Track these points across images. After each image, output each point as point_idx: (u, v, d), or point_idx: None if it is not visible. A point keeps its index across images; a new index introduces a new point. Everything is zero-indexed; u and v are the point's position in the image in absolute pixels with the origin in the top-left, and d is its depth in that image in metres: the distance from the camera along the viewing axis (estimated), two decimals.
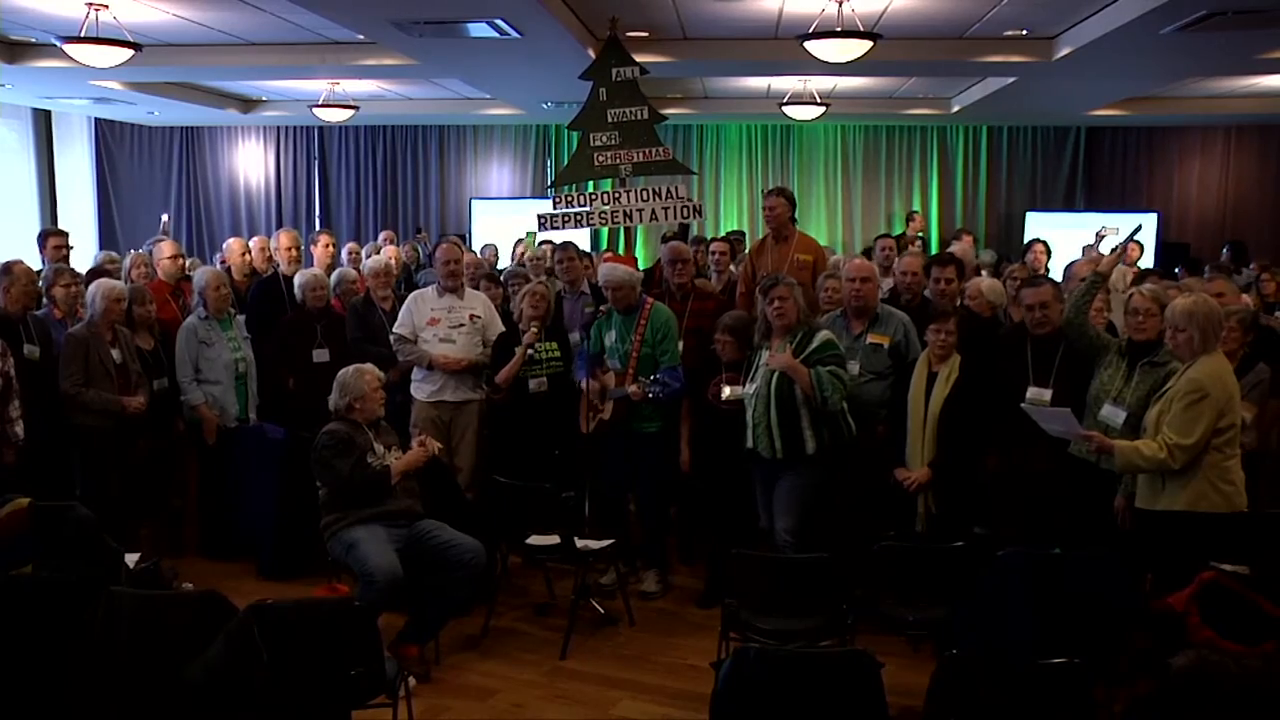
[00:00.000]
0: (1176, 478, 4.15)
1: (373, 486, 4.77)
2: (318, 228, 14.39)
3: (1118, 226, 9.42)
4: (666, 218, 6.98)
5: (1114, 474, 4.52)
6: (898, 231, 14.11)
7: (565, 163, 14.77)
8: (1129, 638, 3.95)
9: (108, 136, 15.14)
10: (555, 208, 6.96)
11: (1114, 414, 4.57)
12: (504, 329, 6.17)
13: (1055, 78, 10.22)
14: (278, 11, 8.36)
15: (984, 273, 7.27)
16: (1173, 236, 13.96)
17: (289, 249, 7.36)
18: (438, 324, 6.06)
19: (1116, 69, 9.84)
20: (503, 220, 13.42)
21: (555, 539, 5.15)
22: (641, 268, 7.26)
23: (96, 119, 14.76)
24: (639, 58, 7.19)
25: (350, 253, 8.39)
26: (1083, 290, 4.84)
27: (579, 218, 6.96)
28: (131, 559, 4.48)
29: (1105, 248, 8.83)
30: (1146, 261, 11.25)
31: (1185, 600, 3.75)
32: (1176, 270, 10.42)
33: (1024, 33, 9.20)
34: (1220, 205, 14.63)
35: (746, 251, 7.59)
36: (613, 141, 6.89)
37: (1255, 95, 12.22)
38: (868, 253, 9.22)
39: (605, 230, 10.82)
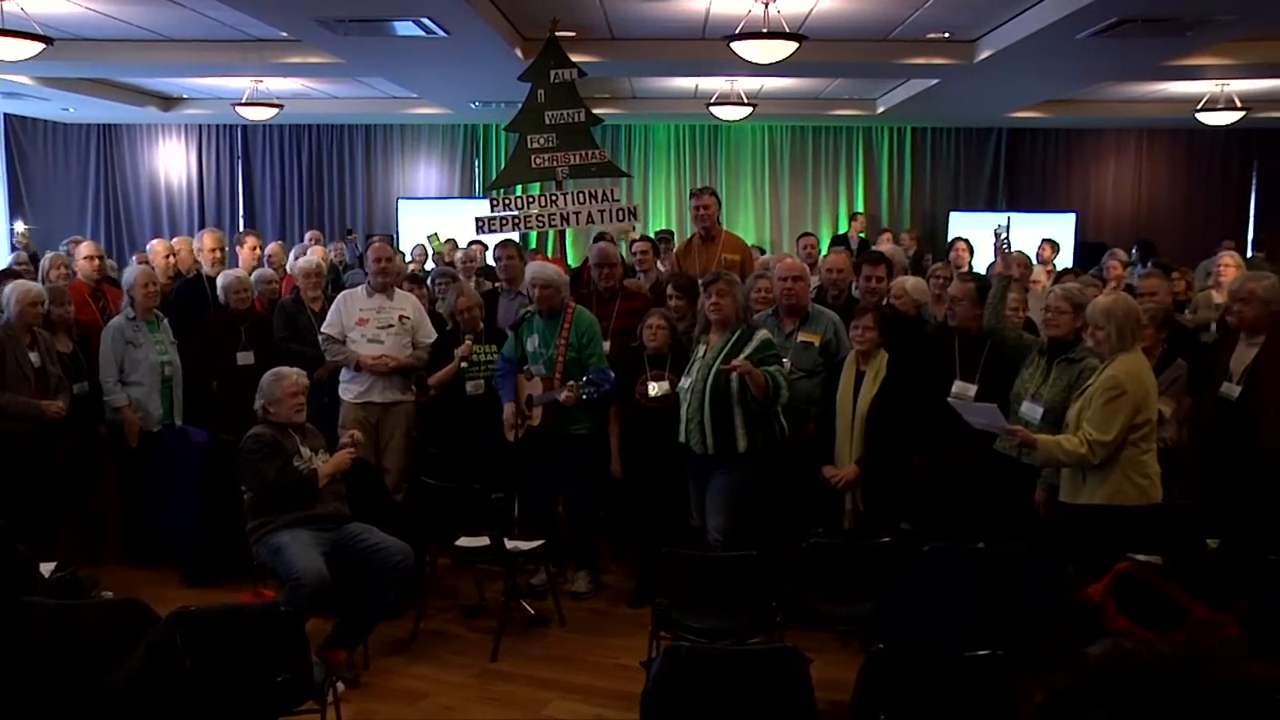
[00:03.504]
0: (1096, 472, 4.26)
1: (299, 490, 4.70)
2: (242, 228, 14.14)
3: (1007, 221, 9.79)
4: (602, 220, 7.00)
5: (1035, 470, 4.63)
6: (826, 231, 14.30)
7: (494, 163, 14.86)
8: (1049, 629, 4.05)
9: (19, 133, 14.68)
10: (493, 210, 6.93)
11: (1032, 410, 4.67)
12: (435, 333, 6.13)
13: (977, 80, 10.43)
14: (197, 7, 8.21)
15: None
16: (1090, 236, 14.32)
17: (213, 250, 7.21)
18: (366, 324, 5.99)
19: (1035, 72, 10.08)
20: (431, 220, 13.31)
21: (485, 540, 5.11)
22: (572, 266, 7.27)
23: (6, 115, 14.30)
24: None
25: (271, 255, 8.25)
26: (996, 296, 4.94)
27: (515, 220, 6.94)
28: (47, 568, 4.36)
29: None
30: (1065, 260, 11.53)
31: (1102, 591, 3.85)
32: (1098, 268, 10.66)
33: (946, 35, 9.38)
34: (1134, 205, 15.08)
35: (674, 251, 7.62)
36: (550, 144, 6.89)
37: (1164, 100, 12.63)
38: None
39: (534, 232, 10.85)
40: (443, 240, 10.81)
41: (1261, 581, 3.95)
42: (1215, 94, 11.41)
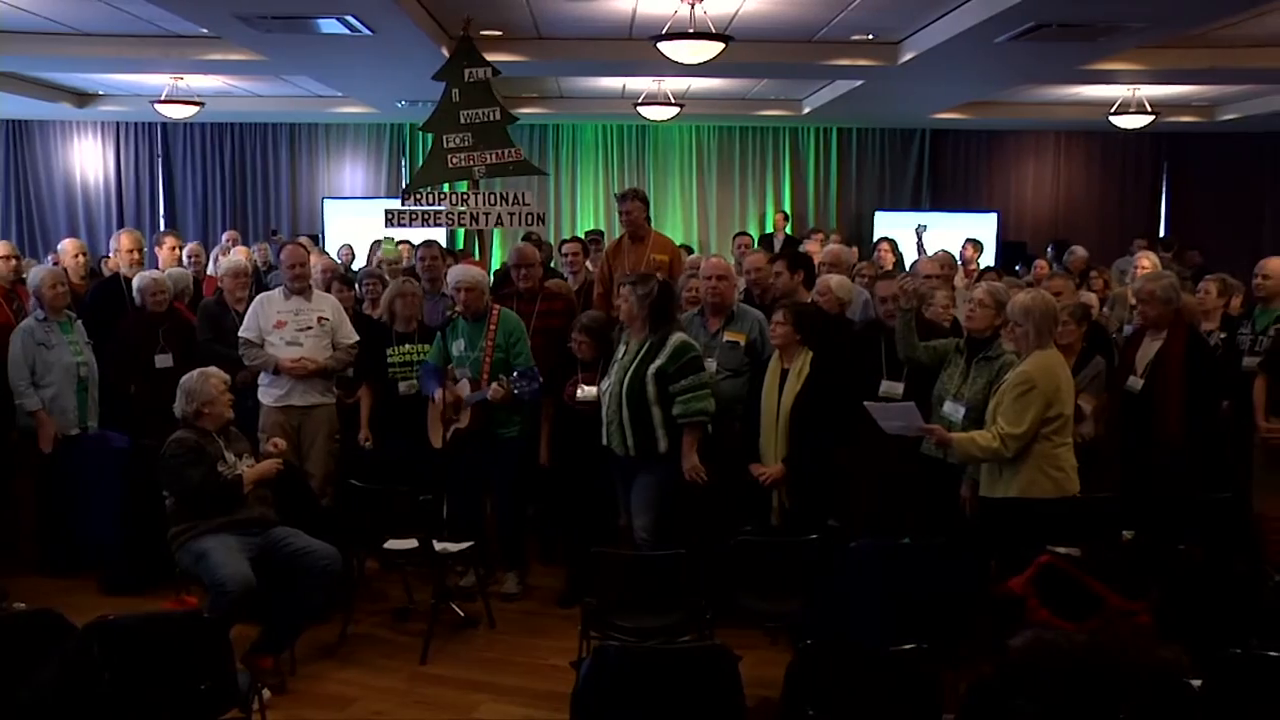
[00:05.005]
0: (1011, 465, 4.36)
1: (224, 495, 4.62)
2: (162, 228, 13.84)
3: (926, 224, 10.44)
4: (513, 223, 7.04)
5: (960, 465, 4.72)
6: (754, 230, 14.40)
7: (421, 162, 14.69)
8: (973, 622, 4.13)
9: None
10: (404, 204, 6.89)
11: (954, 410, 4.76)
12: (356, 334, 6.07)
13: (900, 81, 10.58)
14: (110, 0, 8.01)
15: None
16: (1011, 236, 14.62)
17: (130, 250, 7.05)
18: (284, 327, 5.88)
19: (956, 74, 10.26)
20: (357, 220, 13.17)
21: (413, 542, 5.08)
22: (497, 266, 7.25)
23: None
24: (492, 56, 7.19)
25: (191, 255, 8.10)
26: (903, 328, 5.01)
27: (428, 216, 6.92)
28: None
29: (928, 245, 9.42)
30: (988, 260, 11.76)
31: (1024, 583, 3.94)
32: (1017, 268, 10.91)
33: (870, 37, 9.50)
34: (1053, 206, 15.44)
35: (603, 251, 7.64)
36: (465, 143, 6.87)
37: (1080, 103, 12.94)
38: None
39: (461, 232, 10.82)
40: (396, 244, 10.62)
41: (1170, 571, 4.08)
42: (1127, 98, 11.74)
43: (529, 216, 6.98)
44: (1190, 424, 5.24)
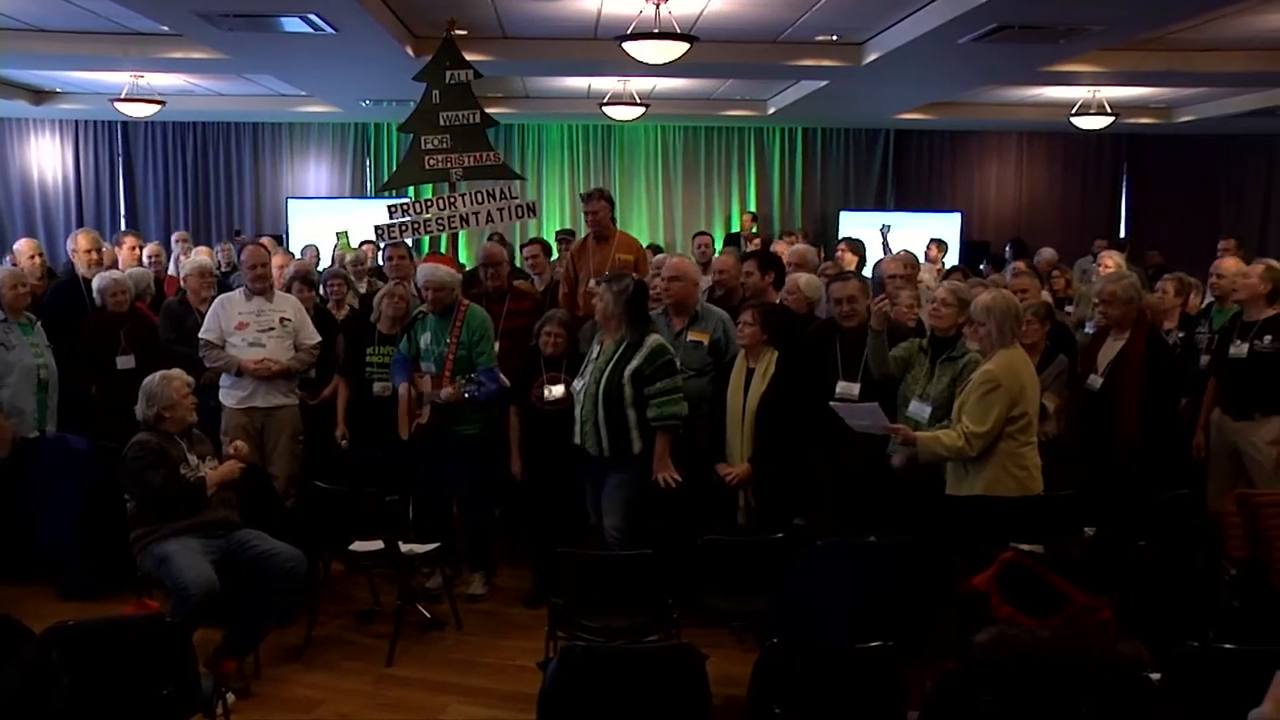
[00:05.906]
0: (975, 464, 4.40)
1: (187, 498, 4.57)
2: (123, 228, 13.67)
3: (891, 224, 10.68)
4: (501, 219, 6.98)
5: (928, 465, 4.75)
6: (720, 230, 14.45)
7: (385, 162, 14.63)
8: (937, 619, 4.16)
9: None
10: (392, 217, 6.83)
11: (920, 409, 4.79)
12: (318, 335, 6.03)
13: (864, 82, 10.65)
14: None
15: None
16: (974, 235, 14.74)
17: (88, 251, 6.97)
18: (246, 328, 5.83)
19: (920, 75, 10.34)
20: (321, 220, 13.08)
21: (379, 544, 5.05)
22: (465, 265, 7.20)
23: None
24: None
25: (151, 255, 8.01)
26: (875, 348, 5.00)
27: (416, 226, 6.85)
28: None
29: (893, 244, 9.52)
30: (952, 259, 11.86)
31: (988, 581, 3.97)
32: (982, 267, 11.00)
33: (834, 38, 9.55)
34: (1016, 206, 15.59)
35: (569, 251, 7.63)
36: (444, 145, 6.82)
37: (1041, 104, 13.08)
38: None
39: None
40: (352, 242, 10.50)
41: (1131, 567, 4.13)
42: (1088, 100, 11.88)
43: (518, 209, 6.93)
44: (1148, 422, 5.31)
